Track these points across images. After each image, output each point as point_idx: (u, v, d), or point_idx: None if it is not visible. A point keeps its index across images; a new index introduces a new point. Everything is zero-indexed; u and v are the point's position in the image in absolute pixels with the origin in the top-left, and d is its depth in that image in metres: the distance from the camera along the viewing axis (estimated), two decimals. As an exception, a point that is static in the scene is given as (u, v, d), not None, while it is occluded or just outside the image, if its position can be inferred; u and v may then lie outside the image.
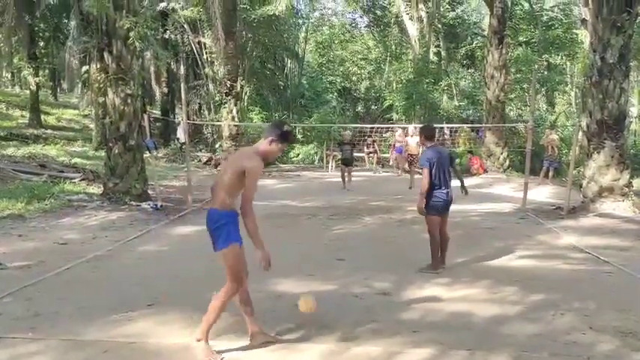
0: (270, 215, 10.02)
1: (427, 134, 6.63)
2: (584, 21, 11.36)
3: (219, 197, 3.81)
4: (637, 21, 11.37)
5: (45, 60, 28.89)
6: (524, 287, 5.72)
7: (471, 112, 26.87)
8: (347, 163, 14.47)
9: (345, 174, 14.42)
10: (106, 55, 10.81)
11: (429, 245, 6.42)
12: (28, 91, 25.25)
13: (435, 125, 9.65)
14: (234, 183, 3.77)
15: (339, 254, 7.22)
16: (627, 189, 10.55)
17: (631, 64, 12.16)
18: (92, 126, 23.54)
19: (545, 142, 16.49)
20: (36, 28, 26.33)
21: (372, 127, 21.18)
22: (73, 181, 12.78)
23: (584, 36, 18.57)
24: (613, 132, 10.50)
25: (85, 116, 28.52)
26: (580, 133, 11.49)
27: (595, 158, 10.63)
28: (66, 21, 26.29)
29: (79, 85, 25.22)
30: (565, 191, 11.28)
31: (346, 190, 14.07)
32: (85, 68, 22.26)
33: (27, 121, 24.58)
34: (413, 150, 15.27)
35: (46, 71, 30.97)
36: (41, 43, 28.28)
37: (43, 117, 25.75)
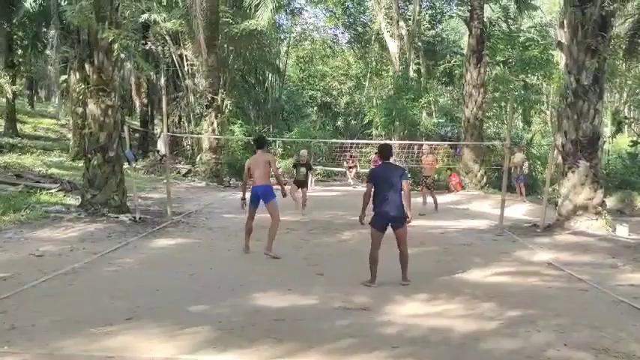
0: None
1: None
2: (559, 43, 11.65)
3: (263, 179, 7.86)
4: (611, 44, 11.69)
5: (22, 68, 28.59)
6: (501, 303, 5.81)
7: (449, 129, 27.23)
8: (301, 185, 12.71)
9: (299, 196, 12.62)
10: (87, 65, 10.71)
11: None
12: (4, 100, 24.89)
13: (414, 142, 9.81)
14: (266, 171, 7.89)
15: (318, 269, 7.24)
16: (601, 208, 10.77)
17: (605, 85, 12.45)
18: (69, 135, 23.25)
19: (510, 164, 16.72)
20: (14, 36, 26.07)
21: (352, 143, 21.34)
22: (50, 191, 12.58)
23: (560, 57, 18.99)
24: (587, 152, 10.73)
25: (62, 126, 28.19)
26: (555, 152, 11.72)
27: (570, 177, 10.84)
28: (45, 30, 26.11)
29: (57, 95, 24.97)
30: (541, 209, 11.48)
31: (301, 214, 12.23)
32: (63, 77, 22.06)
33: (2, 130, 24.21)
34: (427, 171, 13.88)
35: (24, 79, 30.60)
36: (19, 51, 28.00)
37: (19, 126, 25.40)
